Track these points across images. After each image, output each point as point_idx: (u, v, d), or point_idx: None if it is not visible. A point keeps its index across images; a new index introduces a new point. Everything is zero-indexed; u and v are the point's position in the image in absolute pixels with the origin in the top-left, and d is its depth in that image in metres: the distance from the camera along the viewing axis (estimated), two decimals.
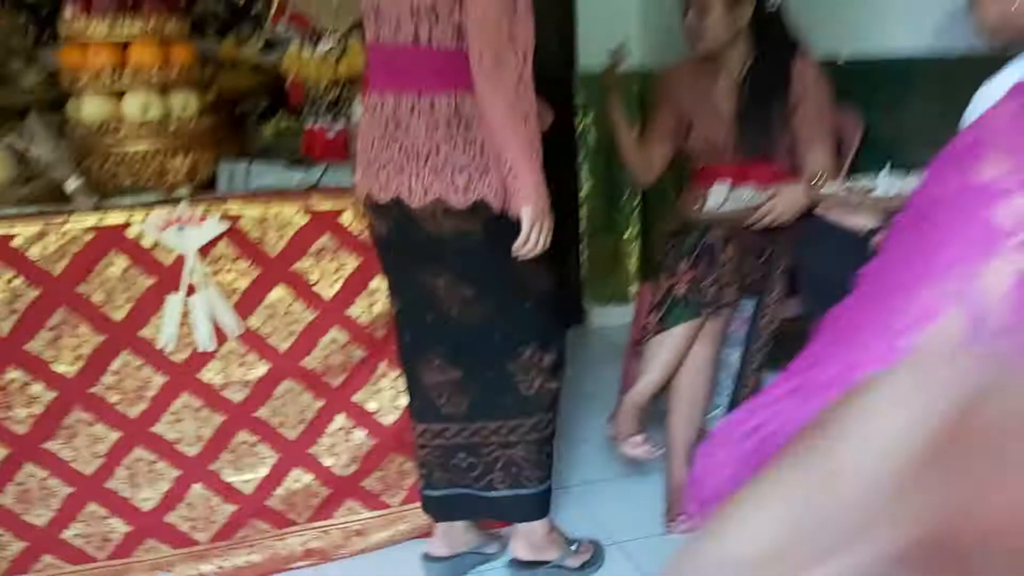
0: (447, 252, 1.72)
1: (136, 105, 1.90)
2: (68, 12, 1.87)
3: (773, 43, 2.10)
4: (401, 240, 1.75)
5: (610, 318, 3.53)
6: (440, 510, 1.94)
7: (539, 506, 1.90)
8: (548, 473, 1.89)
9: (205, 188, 2.01)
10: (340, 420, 1.97)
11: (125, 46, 1.88)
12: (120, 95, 1.91)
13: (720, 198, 2.08)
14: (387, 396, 1.99)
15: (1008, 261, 0.54)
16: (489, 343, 1.79)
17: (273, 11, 2.01)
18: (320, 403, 1.95)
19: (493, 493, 1.88)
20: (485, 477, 1.87)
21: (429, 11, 1.60)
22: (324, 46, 1.91)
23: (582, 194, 3.53)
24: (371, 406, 1.98)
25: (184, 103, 1.97)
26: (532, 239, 1.62)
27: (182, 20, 1.96)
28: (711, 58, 2.15)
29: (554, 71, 3.40)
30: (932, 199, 0.58)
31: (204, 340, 1.84)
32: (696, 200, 2.18)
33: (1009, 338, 0.55)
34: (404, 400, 1.97)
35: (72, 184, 1.82)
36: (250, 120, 2.44)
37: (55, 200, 1.83)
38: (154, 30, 1.88)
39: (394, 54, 1.67)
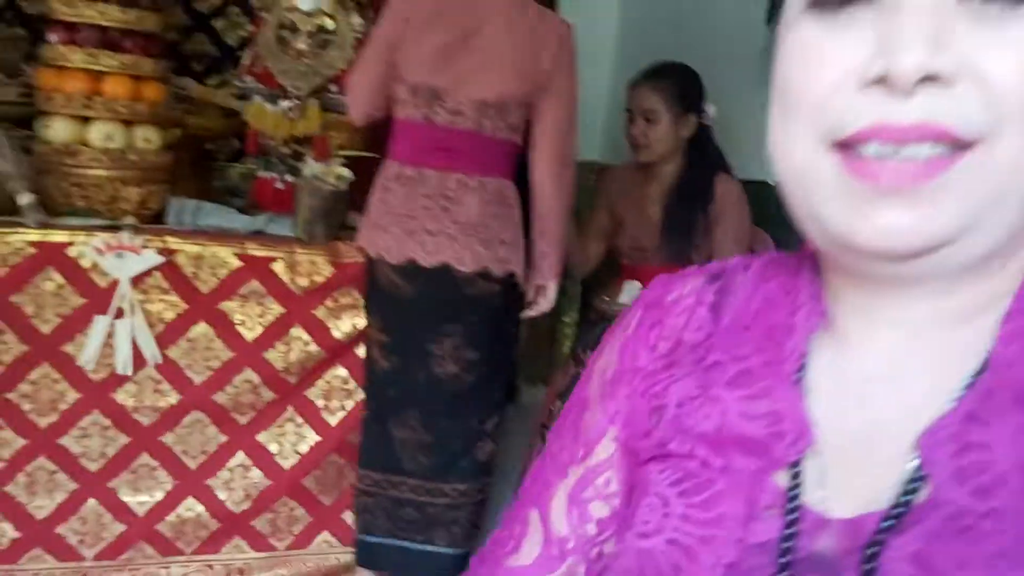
0: (469, 315, 1.96)
1: (101, 132, 2.01)
2: (53, 36, 1.99)
3: (702, 159, 2.25)
4: (426, 302, 1.95)
5: (539, 398, 3.62)
6: (372, 557, 2.05)
7: (462, 566, 1.99)
8: (480, 535, 2.00)
9: (153, 220, 2.11)
10: (240, 457, 2.04)
11: (100, 75, 2.00)
12: (87, 121, 2.02)
13: (630, 296, 2.21)
14: (289, 440, 2.07)
15: (568, 479, 0.62)
16: (467, 407, 1.96)
17: (245, 63, 2.13)
18: (224, 438, 2.02)
19: (430, 548, 1.99)
20: (427, 532, 2.00)
21: (497, 108, 1.92)
22: (285, 104, 2.03)
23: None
24: (272, 448, 2.06)
25: (147, 137, 2.07)
26: (547, 306, 2.07)
27: (159, 60, 2.08)
28: (647, 166, 2.30)
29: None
30: (583, 380, 0.69)
31: (123, 363, 1.92)
32: (611, 294, 2.30)
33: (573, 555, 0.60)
34: (305, 446, 2.05)
35: (25, 199, 1.91)
36: (217, 161, 2.56)
37: (6, 212, 1.93)
38: (129, 66, 1.99)
39: (450, 136, 1.93)
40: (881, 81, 0.43)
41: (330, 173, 2.06)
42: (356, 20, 2.13)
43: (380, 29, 1.91)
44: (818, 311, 0.55)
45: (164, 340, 1.96)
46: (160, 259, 1.92)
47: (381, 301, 1.99)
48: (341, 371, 2.09)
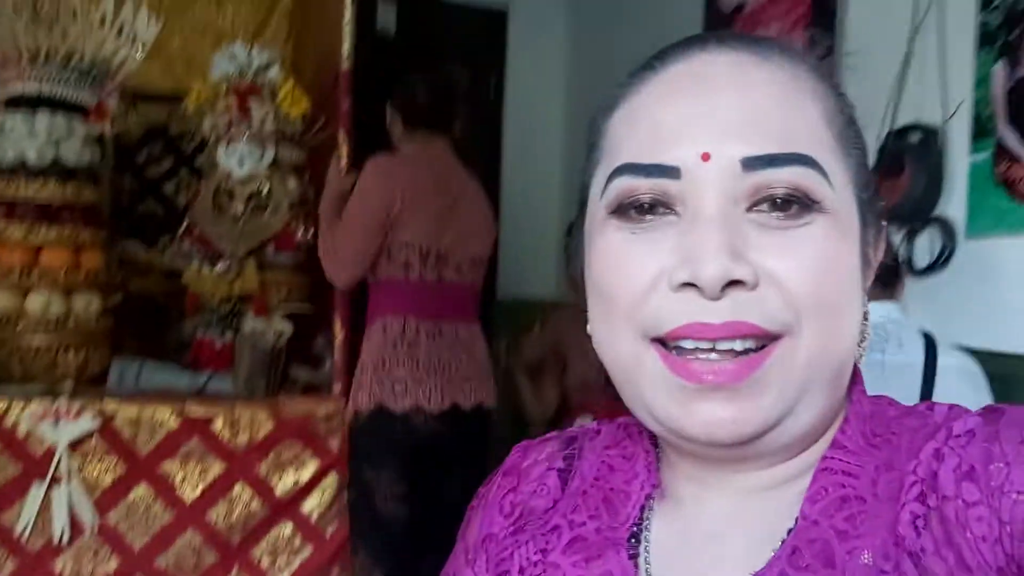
0: (464, 450, 2.17)
1: (39, 303, 2.04)
2: None
3: None
4: (462, 442, 2.17)
5: None
6: None
7: None
8: None
9: (95, 383, 2.12)
10: None
11: (39, 248, 2.04)
12: (27, 291, 2.06)
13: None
14: None
15: None
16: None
17: (182, 230, 2.19)
18: None
19: None
20: None
21: (483, 262, 2.29)
22: (222, 266, 2.09)
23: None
24: None
25: (87, 303, 2.11)
26: None
27: (98, 229, 2.14)
28: None
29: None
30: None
31: (60, 532, 1.89)
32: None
33: None
34: None
35: None
36: (162, 321, 2.58)
37: None
38: (67, 237, 2.05)
39: (455, 290, 2.24)
40: (689, 285, 0.48)
41: (270, 329, 2.10)
42: (291, 184, 2.21)
43: (372, 203, 2.07)
44: (652, 480, 0.59)
45: (103, 505, 1.93)
46: (96, 424, 1.92)
47: (402, 451, 2.09)
48: (287, 528, 2.06)
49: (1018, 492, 0.45)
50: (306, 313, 2.20)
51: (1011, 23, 1.80)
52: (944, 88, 1.92)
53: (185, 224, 2.19)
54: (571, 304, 2.45)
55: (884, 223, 0.57)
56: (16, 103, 1.98)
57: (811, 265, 0.48)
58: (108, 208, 2.54)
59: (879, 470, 0.52)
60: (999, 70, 1.82)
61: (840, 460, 0.53)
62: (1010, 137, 1.80)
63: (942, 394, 1.63)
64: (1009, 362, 1.76)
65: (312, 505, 2.06)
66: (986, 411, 0.50)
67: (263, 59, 2.13)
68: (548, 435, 0.67)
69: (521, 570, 0.59)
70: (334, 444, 2.07)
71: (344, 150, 2.10)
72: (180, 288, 2.34)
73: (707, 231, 0.48)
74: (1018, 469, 0.45)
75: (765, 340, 0.48)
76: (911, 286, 1.87)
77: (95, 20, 1.99)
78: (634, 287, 0.50)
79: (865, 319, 0.55)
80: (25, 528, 1.88)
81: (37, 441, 1.90)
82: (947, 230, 1.92)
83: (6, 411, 1.89)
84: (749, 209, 0.49)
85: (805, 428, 0.51)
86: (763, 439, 0.50)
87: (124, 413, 1.95)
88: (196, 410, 1.99)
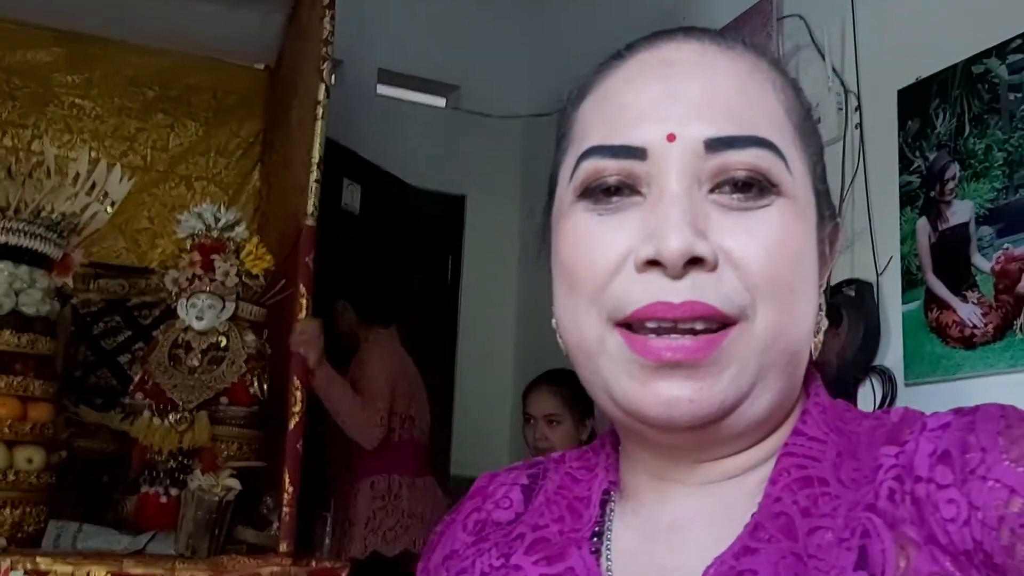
0: None
1: None
2: None
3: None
4: None
5: None
6: None
7: None
8: None
9: (29, 542, 2.01)
10: None
11: None
12: None
13: None
14: None
15: None
16: None
17: (135, 381, 2.17)
18: None
19: None
20: None
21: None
22: (173, 418, 2.06)
23: None
24: None
25: (29, 457, 2.04)
26: None
27: (48, 382, 2.11)
28: None
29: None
30: None
31: None
32: None
33: None
34: None
35: None
36: (105, 484, 2.49)
37: None
38: (17, 387, 2.02)
39: (419, 448, 2.79)
40: (653, 263, 0.50)
41: (217, 484, 2.04)
42: (249, 338, 2.23)
43: (384, 373, 2.77)
44: (611, 477, 0.60)
45: None
46: None
47: None
48: None
49: (996, 480, 0.45)
50: (258, 468, 2.15)
51: (930, 183, 1.95)
52: (874, 244, 2.05)
53: (139, 376, 2.17)
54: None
55: (839, 220, 0.60)
56: None
57: (769, 246, 0.51)
58: (61, 377, 2.52)
59: (842, 456, 0.53)
60: (923, 225, 1.96)
61: (802, 446, 0.54)
62: (938, 286, 1.90)
63: None
64: None
65: None
66: (958, 409, 0.52)
67: (229, 218, 2.21)
68: (511, 466, 0.68)
69: (483, 574, 0.58)
70: None
71: (304, 303, 2.14)
72: (127, 452, 2.29)
73: (671, 208, 0.50)
74: (995, 457, 0.46)
75: (723, 322, 0.50)
76: None
77: (69, 177, 2.06)
78: (600, 269, 0.52)
79: (820, 310, 0.56)
80: None
81: None
82: (887, 378, 1.98)
83: None
84: (711, 191, 0.52)
85: (762, 413, 0.53)
86: (722, 423, 0.51)
87: (58, 571, 1.85)
88: (134, 569, 1.90)
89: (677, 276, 0.49)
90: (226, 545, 2.05)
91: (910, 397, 1.93)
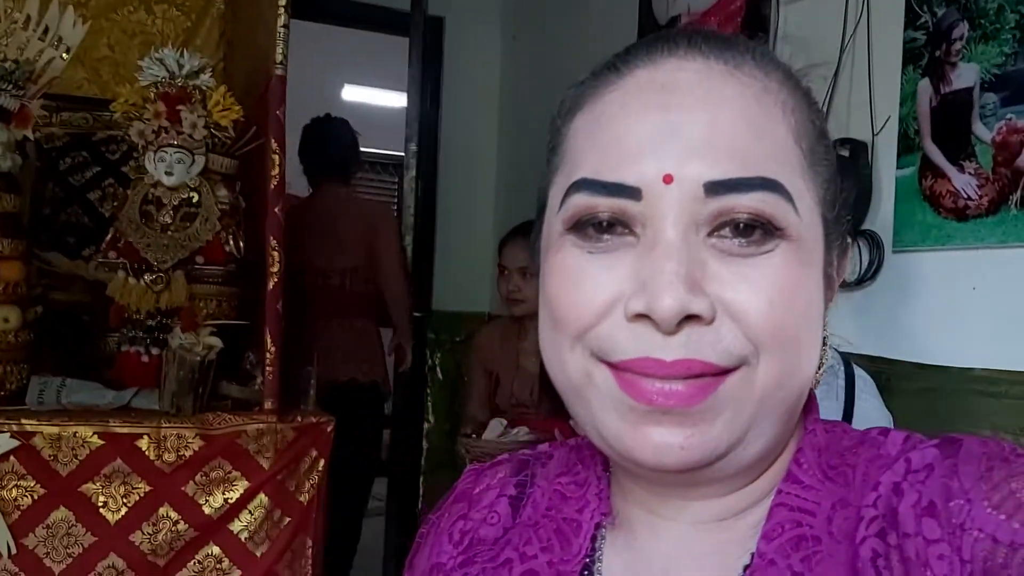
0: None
1: None
2: None
3: None
4: None
5: None
6: None
7: None
8: None
9: (12, 400, 2.02)
10: None
11: None
12: None
13: (495, 433, 2.18)
14: None
15: None
16: None
17: (107, 240, 2.12)
18: None
19: None
20: None
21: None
22: (149, 277, 2.02)
23: (425, 428, 3.62)
24: None
25: (4, 316, 2.01)
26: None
27: (18, 239, 2.05)
28: (520, 319, 2.34)
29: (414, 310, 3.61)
30: None
31: None
32: (477, 432, 2.27)
33: None
34: None
35: None
36: (84, 335, 2.49)
37: None
38: None
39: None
40: (644, 317, 0.46)
41: (198, 343, 2.04)
42: (222, 193, 2.16)
43: None
44: (603, 508, 0.58)
45: (20, 528, 1.85)
46: (14, 443, 1.83)
47: None
48: (214, 549, 2.00)
49: (979, 530, 0.44)
50: (239, 327, 2.14)
51: (936, 41, 1.84)
52: (872, 103, 1.96)
53: (111, 234, 2.11)
54: (500, 318, 2.44)
55: (848, 239, 0.56)
56: None
57: (772, 297, 0.47)
58: (29, 217, 2.45)
59: (835, 507, 0.51)
60: (924, 87, 1.87)
61: (796, 496, 0.52)
62: (935, 153, 1.84)
63: (860, 406, 1.67)
64: (931, 373, 1.79)
65: (241, 526, 2.00)
66: (942, 443, 0.50)
67: (194, 64, 2.07)
68: (500, 459, 0.66)
69: None
70: (265, 463, 2.02)
71: (276, 160, 2.06)
72: (104, 301, 2.26)
73: (666, 260, 0.46)
74: (978, 506, 0.45)
75: (718, 373, 0.47)
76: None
77: (19, 22, 1.91)
78: (587, 311, 0.49)
79: (824, 344, 0.54)
80: None
81: None
82: (875, 243, 1.95)
83: None
84: (710, 234, 0.47)
85: (755, 457, 0.51)
86: (712, 467, 0.49)
87: (44, 432, 1.87)
88: (121, 428, 1.92)
89: (670, 332, 0.46)
90: (210, 401, 2.08)
91: (897, 263, 1.92)
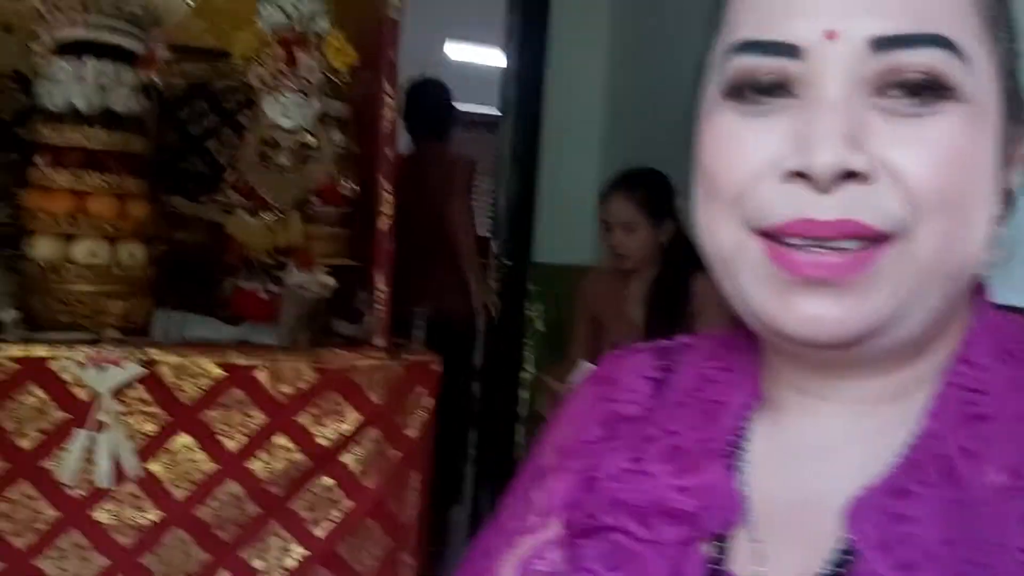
0: None
1: (84, 250, 2.04)
2: (39, 160, 2.05)
3: (678, 258, 2.26)
4: None
5: None
6: None
7: None
8: None
9: (138, 333, 2.12)
10: (224, 575, 1.99)
11: (85, 195, 2.04)
12: (72, 239, 2.06)
13: (580, 375, 2.14)
14: (273, 555, 2.01)
15: (517, 550, 0.63)
16: None
17: (228, 180, 2.18)
18: (206, 557, 1.97)
19: None
20: None
21: None
22: (266, 217, 2.08)
23: (523, 379, 3.64)
24: (256, 564, 2.00)
25: (131, 252, 2.11)
26: None
27: (144, 179, 2.13)
28: (627, 271, 2.31)
29: (512, 258, 3.62)
30: (536, 450, 0.68)
31: (103, 477, 1.90)
32: (561, 375, 2.24)
33: None
34: (291, 561, 2.00)
35: (7, 315, 1.93)
36: (203, 274, 2.58)
37: None
38: (114, 185, 2.05)
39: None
40: (800, 175, 0.44)
41: (313, 281, 2.09)
42: (336, 136, 2.20)
43: None
44: (753, 390, 0.56)
45: (144, 454, 1.94)
46: (142, 370, 1.92)
47: None
48: (326, 481, 2.06)
49: None
50: (350, 267, 2.19)
51: None
52: None
53: (229, 175, 2.18)
54: (605, 269, 2.42)
55: None
56: (65, 49, 1.97)
57: (938, 158, 0.44)
58: (152, 162, 2.55)
59: (1012, 389, 0.48)
60: None
61: (967, 375, 0.49)
62: None
63: None
64: None
65: (352, 458, 2.06)
66: None
67: (310, 9, 2.10)
68: (638, 346, 0.65)
69: (612, 476, 0.57)
70: (375, 397, 2.06)
71: (388, 101, 2.08)
72: (223, 241, 2.34)
73: (824, 116, 0.44)
74: None
75: (876, 240, 0.44)
76: None
77: None
78: (742, 174, 0.47)
79: (999, 222, 0.50)
80: (67, 475, 1.89)
81: (80, 387, 1.91)
82: None
83: (51, 357, 1.90)
84: (876, 94, 0.45)
85: (913, 335, 0.47)
86: (866, 344, 0.46)
87: (168, 361, 1.95)
88: (240, 360, 1.99)
89: (827, 191, 0.44)
90: (323, 337, 2.13)
91: None
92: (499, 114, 3.77)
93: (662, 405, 0.59)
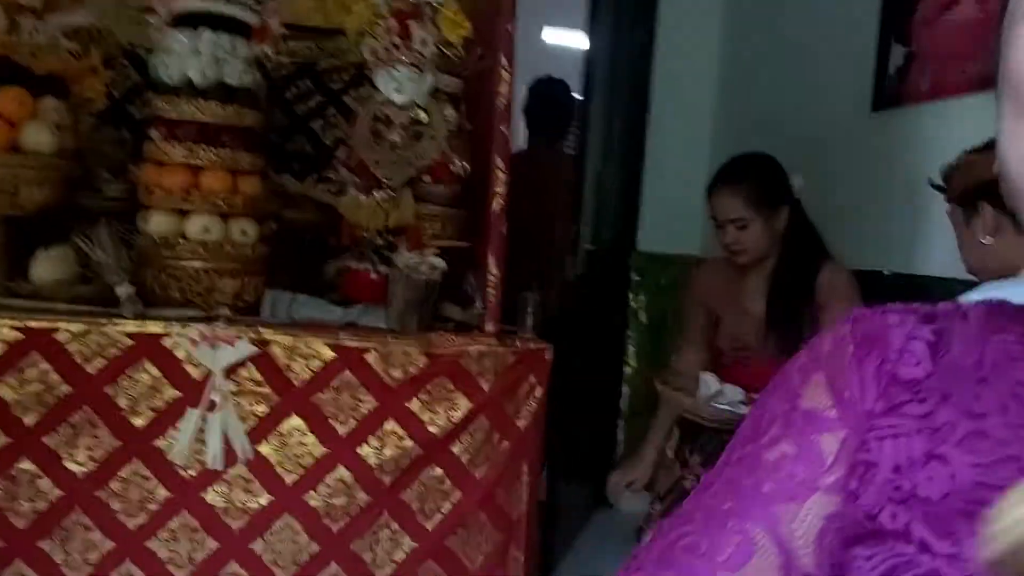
0: None
1: (198, 225, 2.01)
2: (154, 134, 2.03)
3: (800, 246, 2.12)
4: None
5: (641, 503, 3.44)
6: None
7: None
8: None
9: (248, 311, 2.08)
10: (333, 568, 1.94)
11: (198, 169, 2.01)
12: (185, 214, 2.03)
13: (707, 391, 1.99)
14: (384, 548, 1.95)
15: (819, 503, 0.51)
16: None
17: (340, 156, 2.13)
18: (316, 547, 1.92)
19: None
20: None
21: None
22: (378, 195, 2.01)
23: (626, 372, 3.53)
24: (366, 557, 1.95)
25: (243, 229, 2.07)
26: None
27: (256, 155, 2.09)
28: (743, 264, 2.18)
29: (615, 248, 3.51)
30: (766, 418, 0.56)
31: (215, 458, 1.87)
32: (682, 386, 2.10)
33: None
34: (400, 554, 1.95)
35: (123, 291, 1.91)
36: (313, 254, 2.54)
37: (105, 303, 1.93)
38: (227, 160, 2.01)
39: None
40: None
41: (423, 263, 2.02)
42: (449, 112, 2.12)
43: None
44: None
45: (255, 435, 1.90)
46: (254, 349, 1.88)
47: None
48: (436, 471, 1.99)
49: None
50: (460, 249, 2.11)
51: None
52: None
53: (342, 152, 2.12)
54: (719, 260, 2.28)
55: None
56: (181, 21, 1.94)
57: None
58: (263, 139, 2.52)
59: None
60: None
61: None
62: None
63: None
64: None
65: (461, 447, 1.98)
66: None
67: None
68: (889, 306, 0.54)
69: (897, 468, 0.46)
70: (485, 385, 1.98)
71: (505, 75, 1.99)
72: (332, 221, 2.29)
73: None
74: None
75: None
76: None
77: None
78: None
79: None
80: (179, 454, 1.87)
81: (194, 365, 1.88)
82: None
83: (165, 333, 1.87)
84: None
85: None
86: None
87: (280, 341, 1.91)
88: (351, 342, 1.93)
89: None
90: (432, 321, 2.06)
91: None
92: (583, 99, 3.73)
93: (948, 375, 0.48)
